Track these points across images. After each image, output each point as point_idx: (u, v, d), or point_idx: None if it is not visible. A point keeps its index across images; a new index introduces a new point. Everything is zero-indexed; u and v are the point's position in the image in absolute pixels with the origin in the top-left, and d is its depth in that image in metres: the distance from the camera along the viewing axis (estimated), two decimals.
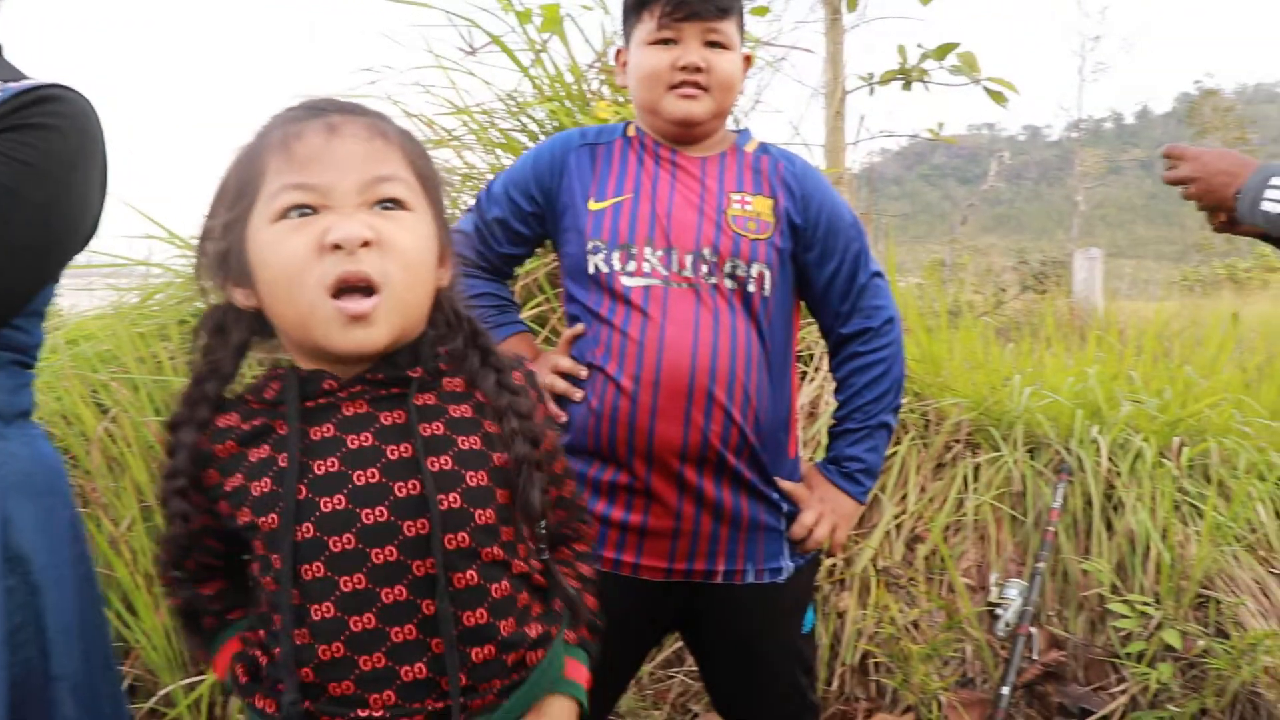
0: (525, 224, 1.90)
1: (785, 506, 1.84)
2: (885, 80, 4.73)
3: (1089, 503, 3.26)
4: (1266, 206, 1.72)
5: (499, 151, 3.70)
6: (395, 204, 1.17)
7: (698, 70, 1.80)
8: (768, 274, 1.78)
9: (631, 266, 1.75)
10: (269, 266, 1.14)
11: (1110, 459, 3.36)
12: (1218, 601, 3.03)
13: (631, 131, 1.90)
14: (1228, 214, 1.83)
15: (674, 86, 1.81)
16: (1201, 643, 2.91)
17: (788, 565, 1.84)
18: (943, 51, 4.54)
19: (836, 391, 1.94)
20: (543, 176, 1.88)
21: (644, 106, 1.86)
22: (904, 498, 3.28)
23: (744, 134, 1.93)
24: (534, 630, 1.25)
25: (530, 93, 3.79)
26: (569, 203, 1.84)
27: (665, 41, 1.81)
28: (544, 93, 3.75)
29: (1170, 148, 1.94)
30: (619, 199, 1.80)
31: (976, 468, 3.40)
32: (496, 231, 1.91)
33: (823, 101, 4.77)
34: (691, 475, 1.73)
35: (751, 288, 1.77)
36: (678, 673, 2.98)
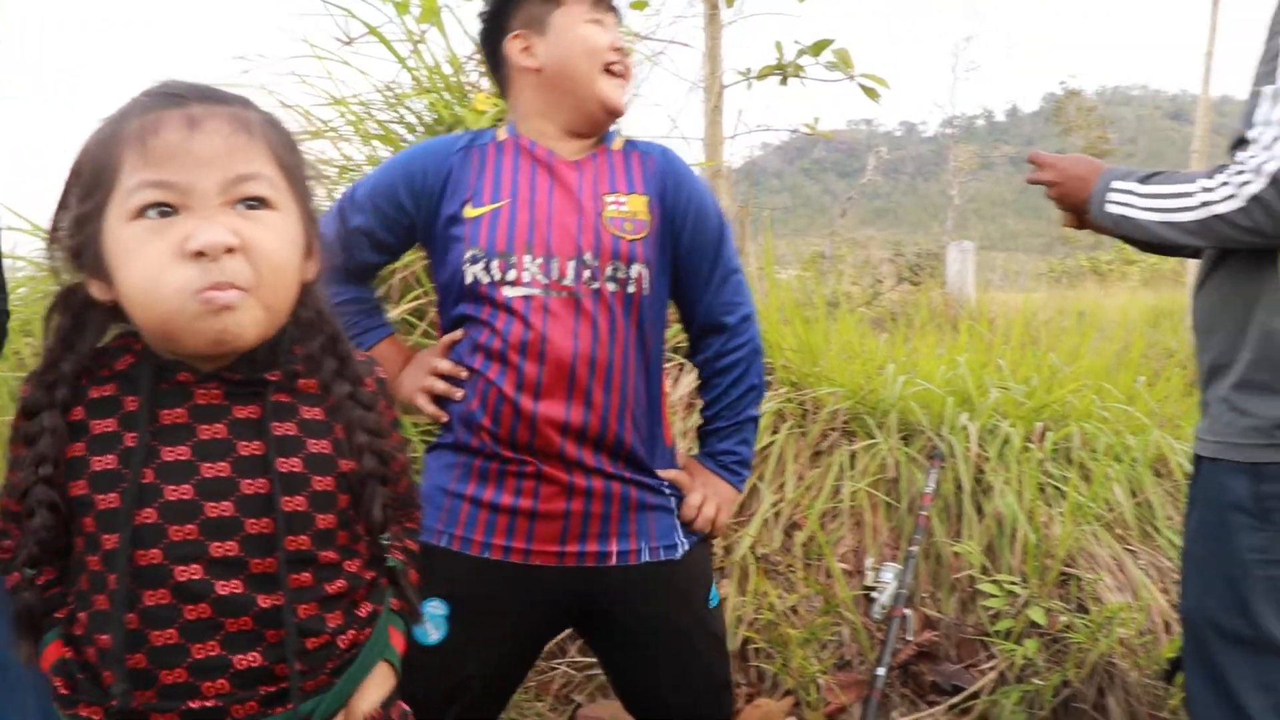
0: (392, 233, 1.85)
1: (669, 489, 1.85)
2: (762, 75, 4.79)
3: (960, 487, 3.36)
4: (1109, 208, 1.82)
5: (376, 143, 3.66)
6: (259, 203, 1.13)
7: (625, 56, 1.85)
8: (646, 273, 1.79)
9: (511, 275, 1.73)
10: (127, 269, 1.10)
11: (980, 444, 3.47)
12: (1079, 578, 3.16)
13: (503, 134, 1.87)
14: (1083, 214, 1.93)
15: (609, 67, 1.83)
16: (1064, 618, 3.02)
17: (683, 542, 1.85)
18: (818, 48, 4.62)
19: (701, 389, 1.96)
20: (416, 183, 1.82)
21: (571, 86, 1.83)
22: (782, 486, 3.34)
23: (610, 134, 1.92)
24: (364, 610, 1.26)
25: (408, 84, 3.75)
26: (446, 210, 1.80)
27: (596, 23, 1.85)
28: (422, 84, 3.71)
29: (1033, 154, 2.05)
30: (496, 205, 1.77)
31: (852, 455, 3.48)
32: (360, 240, 1.85)
33: (701, 96, 4.81)
34: (578, 458, 1.73)
35: (632, 289, 1.77)
36: (560, 664, 2.99)
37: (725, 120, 4.96)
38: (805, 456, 3.48)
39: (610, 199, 1.80)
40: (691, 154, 4.73)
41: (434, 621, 1.43)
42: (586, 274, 1.74)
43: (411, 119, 3.72)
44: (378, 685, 1.27)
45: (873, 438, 3.51)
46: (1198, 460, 1.85)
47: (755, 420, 1.95)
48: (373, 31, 3.71)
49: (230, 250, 1.08)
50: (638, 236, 1.79)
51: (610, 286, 1.75)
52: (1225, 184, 1.63)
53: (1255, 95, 1.65)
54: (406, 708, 1.36)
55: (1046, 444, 3.56)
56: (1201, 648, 1.81)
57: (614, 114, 1.86)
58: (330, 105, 3.68)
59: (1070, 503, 3.27)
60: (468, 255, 1.75)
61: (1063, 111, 36.70)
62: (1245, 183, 1.60)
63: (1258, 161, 1.59)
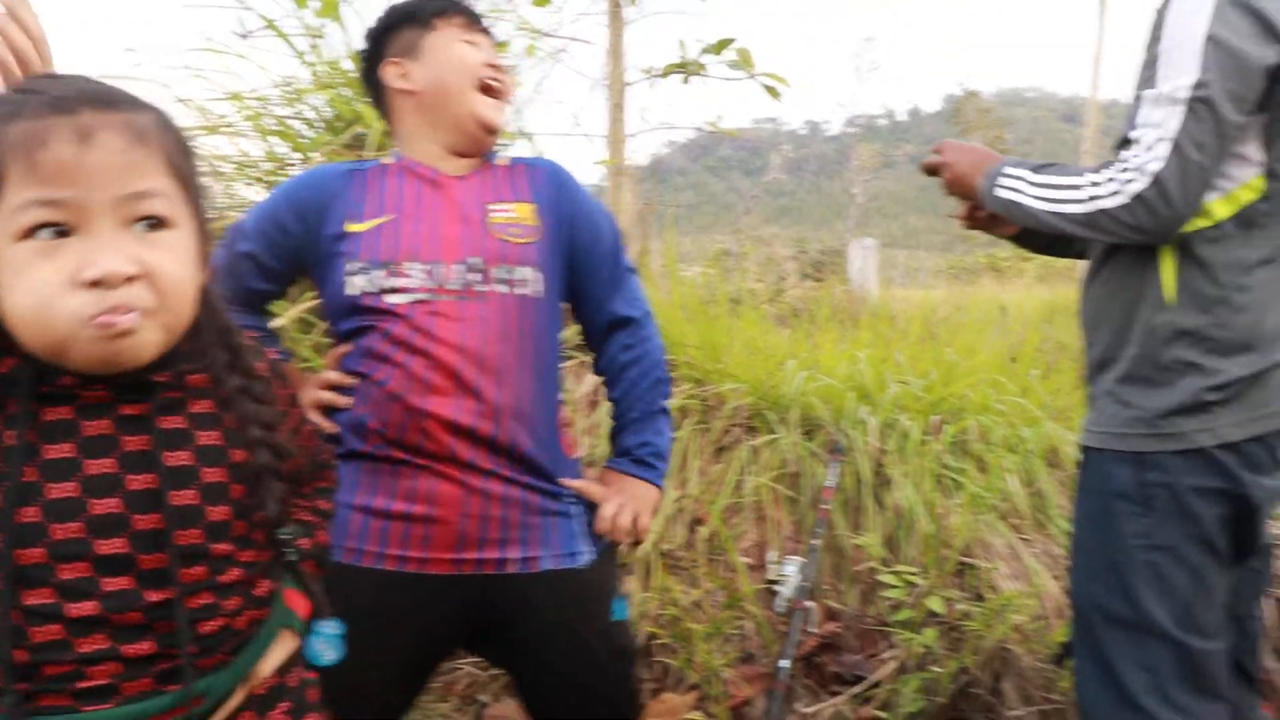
0: (278, 258, 1.84)
1: (570, 498, 1.84)
2: (665, 73, 4.81)
3: (860, 481, 3.41)
4: (1000, 192, 1.87)
5: (274, 139, 3.59)
6: (157, 222, 1.09)
7: (502, 74, 1.88)
8: (538, 277, 1.79)
9: (395, 282, 1.72)
10: (15, 293, 1.04)
11: (879, 438, 3.53)
12: (975, 568, 3.23)
13: (389, 160, 1.89)
14: (974, 200, 1.99)
15: (485, 85, 1.86)
16: (961, 607, 3.09)
17: (585, 551, 1.83)
18: (720, 46, 4.65)
19: (610, 386, 1.96)
20: (300, 205, 1.82)
21: (447, 105, 1.85)
22: (685, 482, 3.36)
23: (494, 153, 1.96)
24: (261, 589, 1.24)
25: (307, 79, 3.69)
26: (330, 229, 1.79)
27: (470, 43, 1.89)
28: (321, 80, 3.65)
29: (938, 146, 2.09)
30: (380, 220, 1.78)
31: (755, 450, 3.51)
32: (248, 267, 1.83)
33: (604, 93, 4.81)
34: (472, 460, 1.71)
35: (520, 291, 1.77)
36: (465, 663, 2.97)
37: (628, 118, 4.97)
38: (708, 452, 3.50)
39: (495, 207, 1.82)
40: (595, 151, 4.74)
41: (329, 642, 1.40)
42: (474, 276, 1.74)
43: (310, 114, 3.66)
44: (278, 651, 1.26)
45: (775, 433, 3.55)
46: (1084, 451, 1.91)
47: (667, 413, 1.97)
48: (270, 25, 3.64)
49: (130, 279, 1.04)
50: (526, 240, 1.80)
51: (500, 289, 1.75)
52: (1111, 180, 1.68)
53: (1138, 99, 1.71)
54: (308, 675, 1.34)
55: (944, 437, 3.63)
56: (1088, 631, 1.87)
57: (490, 131, 1.88)
58: (227, 100, 3.60)
59: (967, 494, 3.34)
60: (351, 268, 1.74)
61: (962, 112, 37.66)
62: (1130, 180, 1.66)
63: (1141, 161, 1.65)
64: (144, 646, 1.10)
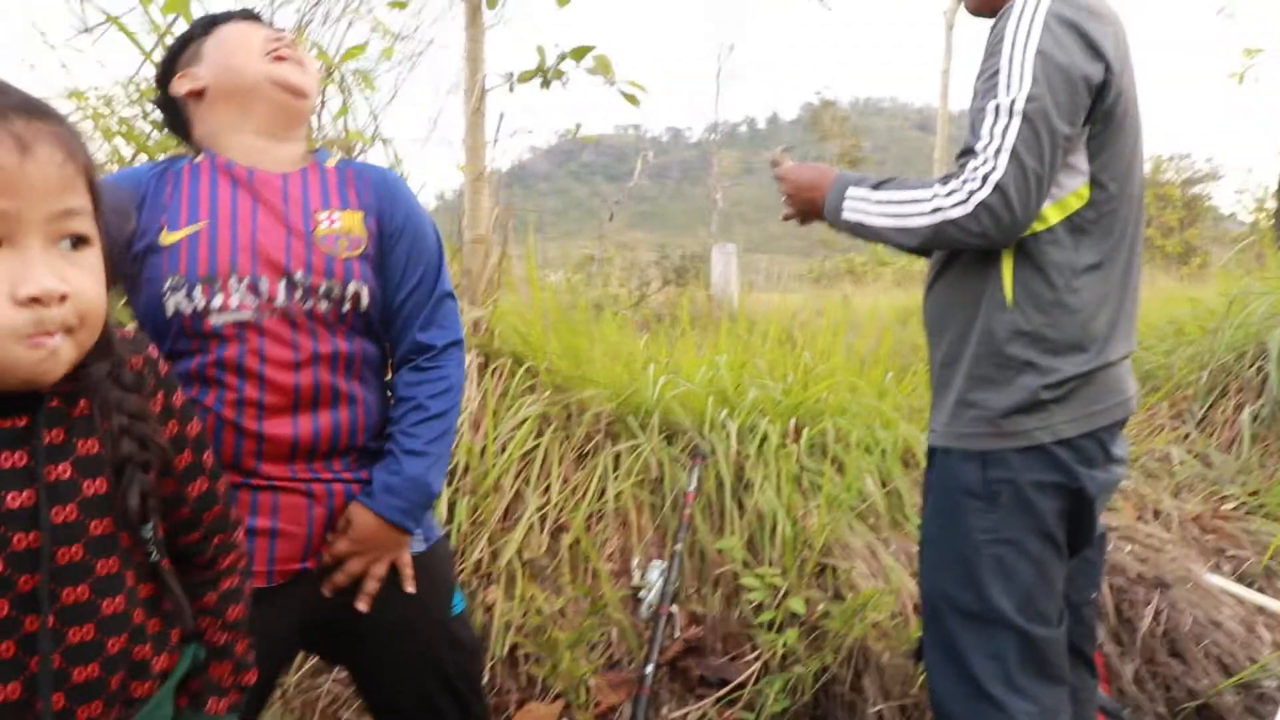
0: None
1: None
2: (524, 79, 4.77)
3: (721, 484, 3.45)
4: (846, 215, 1.91)
5: (119, 140, 3.45)
6: (80, 241, 1.06)
7: (290, 46, 1.81)
8: (364, 291, 1.73)
9: (217, 301, 1.62)
10: None
11: (739, 442, 3.57)
12: (835, 568, 3.29)
13: (199, 158, 1.77)
14: (818, 218, 2.03)
15: (272, 54, 1.78)
16: (822, 606, 3.14)
17: (417, 542, 1.82)
18: (579, 53, 4.64)
19: (395, 407, 1.81)
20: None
21: (240, 82, 1.76)
22: (547, 489, 3.35)
23: (323, 151, 1.87)
24: (152, 656, 1.18)
25: (154, 78, 3.55)
26: (142, 240, 1.67)
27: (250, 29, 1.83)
28: None
29: (775, 170, 2.12)
30: (194, 227, 1.66)
31: (617, 456, 3.52)
32: None
33: (462, 98, 4.75)
34: (311, 473, 1.68)
35: (347, 306, 1.71)
36: (325, 680, 2.90)
37: (488, 123, 4.92)
38: (570, 459, 3.49)
39: (323, 215, 1.73)
40: (454, 157, 4.69)
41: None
42: (299, 293, 1.66)
43: (158, 115, 3.53)
44: None
45: (636, 439, 3.56)
46: (932, 451, 1.97)
47: (442, 461, 1.81)
48: (113, 21, 3.50)
49: (61, 297, 1.01)
50: (353, 254, 1.73)
51: (324, 305, 1.68)
52: (954, 191, 1.74)
53: (978, 111, 1.77)
54: None
55: (803, 440, 3.70)
56: (938, 623, 1.93)
57: (295, 91, 1.78)
58: (67, 98, 3.45)
59: (825, 495, 3.40)
60: (167, 284, 1.62)
61: (819, 121, 38.50)
62: (973, 190, 1.72)
63: (983, 171, 1.71)
64: (12, 689, 1.04)
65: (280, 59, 1.79)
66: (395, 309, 1.81)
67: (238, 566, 1.39)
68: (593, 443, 3.57)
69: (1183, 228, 26.86)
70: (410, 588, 1.79)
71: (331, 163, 1.84)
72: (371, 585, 1.75)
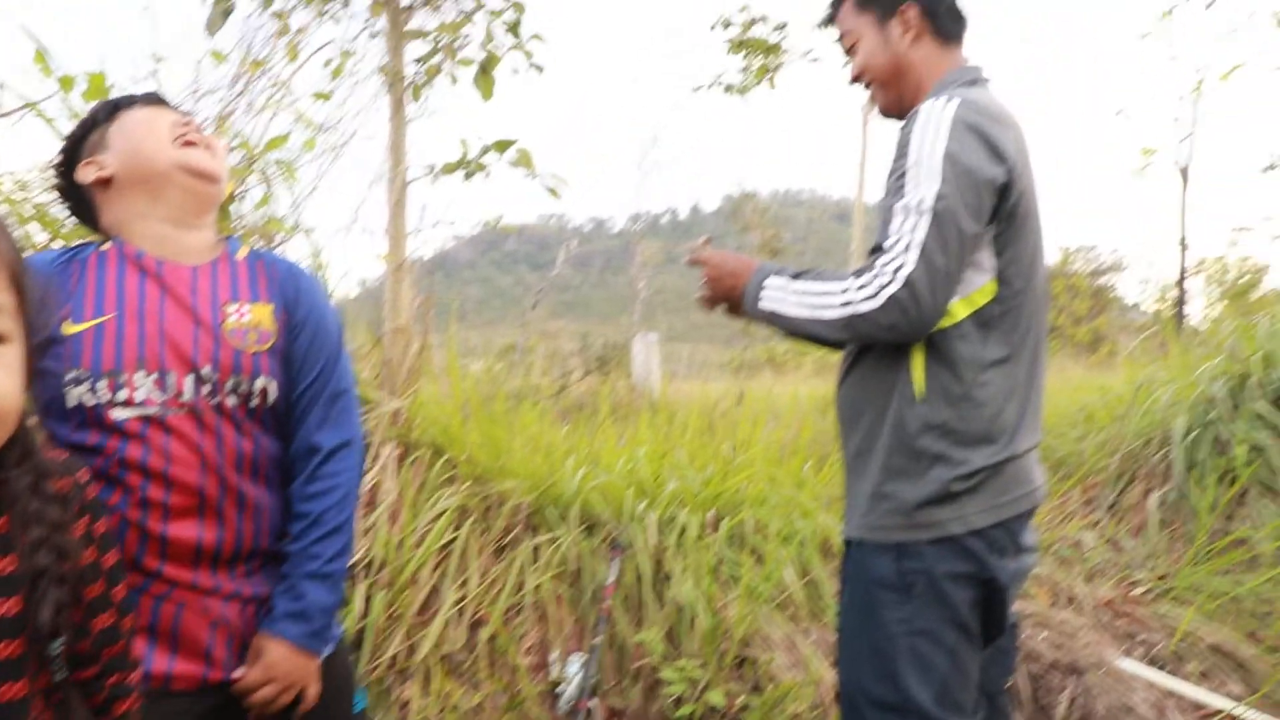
0: None
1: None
2: (447, 171, 4.81)
3: (641, 577, 3.43)
4: (763, 304, 1.95)
5: (34, 225, 3.40)
6: None
7: (198, 131, 1.79)
8: (272, 386, 1.71)
9: (122, 395, 1.58)
10: None
11: (659, 533, 3.57)
12: (754, 660, 3.28)
13: (107, 246, 1.73)
14: (736, 306, 2.06)
15: (181, 140, 1.76)
16: (741, 699, 3.13)
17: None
18: (502, 146, 4.69)
19: (292, 522, 1.75)
20: None
21: (150, 168, 1.74)
22: (465, 582, 3.30)
23: (233, 241, 1.85)
24: None
25: (55, 165, 3.51)
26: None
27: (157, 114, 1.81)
28: None
29: (691, 256, 2.15)
30: (100, 319, 1.62)
31: (536, 548, 3.49)
32: None
33: (385, 189, 4.77)
34: (214, 583, 1.64)
35: (255, 402, 1.68)
36: None
37: (410, 213, 4.94)
38: (488, 552, 3.46)
39: (232, 308, 1.71)
40: (375, 246, 4.69)
41: None
42: (206, 389, 1.63)
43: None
44: None
45: (555, 531, 3.54)
46: (847, 542, 1.99)
47: (341, 575, 1.76)
48: (31, 107, 3.47)
49: None
50: (262, 348, 1.71)
51: (231, 400, 1.65)
52: (865, 285, 1.79)
53: (888, 209, 1.83)
54: None
55: (722, 531, 3.70)
56: (856, 715, 1.94)
57: (206, 176, 1.77)
58: None
59: (744, 586, 3.40)
60: (69, 376, 1.57)
61: (740, 211, 39.19)
62: (884, 285, 1.77)
63: (893, 266, 1.76)
64: None
65: (189, 144, 1.78)
66: (291, 404, 1.77)
67: (130, 713, 1.32)
68: (511, 535, 3.55)
69: (1091, 317, 27.67)
70: (308, 707, 1.75)
71: (242, 254, 1.82)
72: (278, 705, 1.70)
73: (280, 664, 1.67)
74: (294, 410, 1.77)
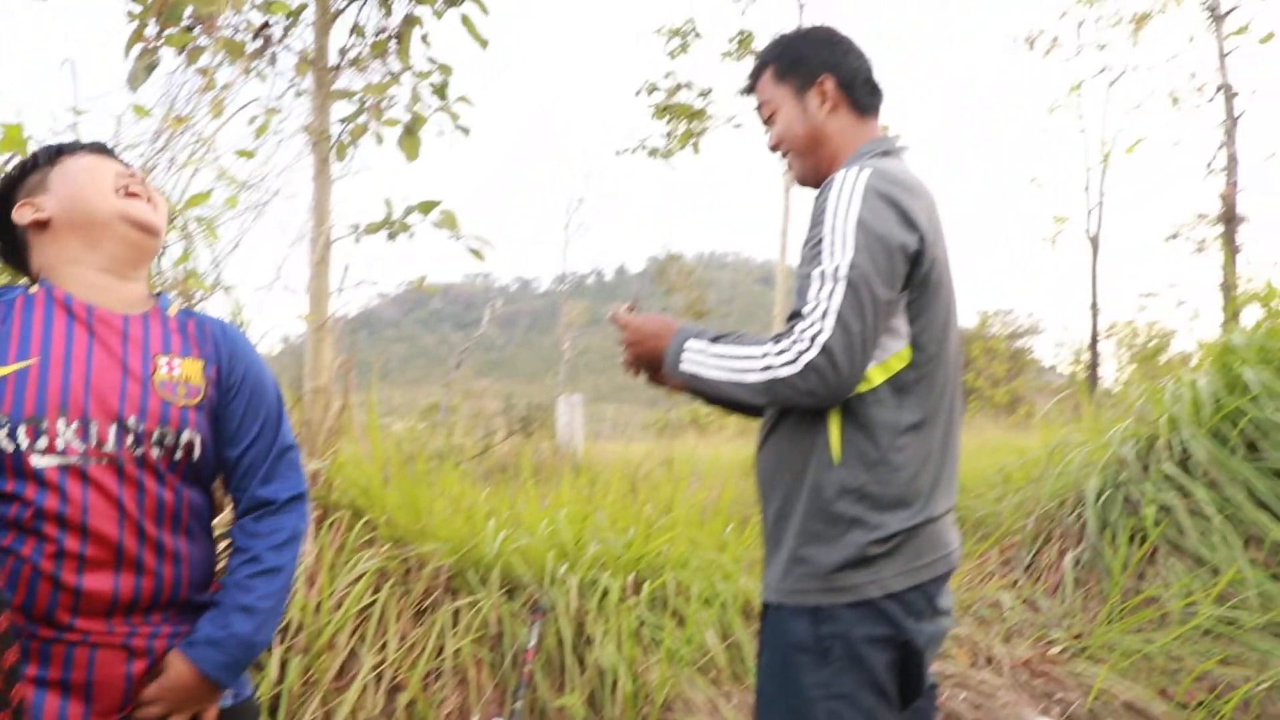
0: None
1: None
2: (371, 230, 4.81)
3: (562, 640, 3.41)
4: (684, 366, 1.96)
5: None
6: None
7: (140, 182, 1.79)
8: (198, 441, 1.70)
9: (42, 443, 1.55)
10: None
11: (580, 596, 3.55)
12: None
13: (35, 289, 1.71)
14: (657, 370, 2.07)
15: (123, 189, 1.76)
16: None
17: (226, 697, 1.75)
18: (426, 207, 4.71)
19: (232, 556, 1.77)
20: None
21: (89, 216, 1.73)
22: (383, 646, 3.25)
23: (164, 297, 1.85)
24: None
25: None
26: None
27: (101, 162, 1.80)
28: None
29: (613, 316, 2.16)
30: (23, 364, 1.59)
31: (456, 612, 3.45)
32: None
33: (308, 247, 4.75)
34: (129, 629, 1.61)
35: (179, 455, 1.67)
36: None
37: (333, 272, 4.92)
38: (408, 615, 3.41)
39: (164, 360, 1.71)
40: (297, 305, 4.65)
41: None
42: (130, 439, 1.61)
43: None
44: None
45: (476, 594, 3.51)
46: (765, 606, 1.99)
47: (274, 617, 1.76)
48: None
49: None
50: (190, 402, 1.70)
51: (156, 452, 1.64)
52: (784, 351, 1.81)
53: (805, 276, 1.87)
54: None
55: (644, 593, 3.69)
56: None
57: (145, 228, 1.76)
58: None
59: (666, 649, 3.39)
60: None
61: (665, 273, 39.58)
62: (802, 351, 1.79)
63: (810, 332, 1.79)
64: None
65: (132, 195, 1.77)
66: (234, 463, 1.78)
67: None
68: (431, 598, 3.50)
69: (1009, 379, 28.26)
70: None
71: (173, 310, 1.82)
72: None
73: (181, 685, 1.66)
74: (238, 469, 1.78)
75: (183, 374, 1.71)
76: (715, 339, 1.96)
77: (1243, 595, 4.30)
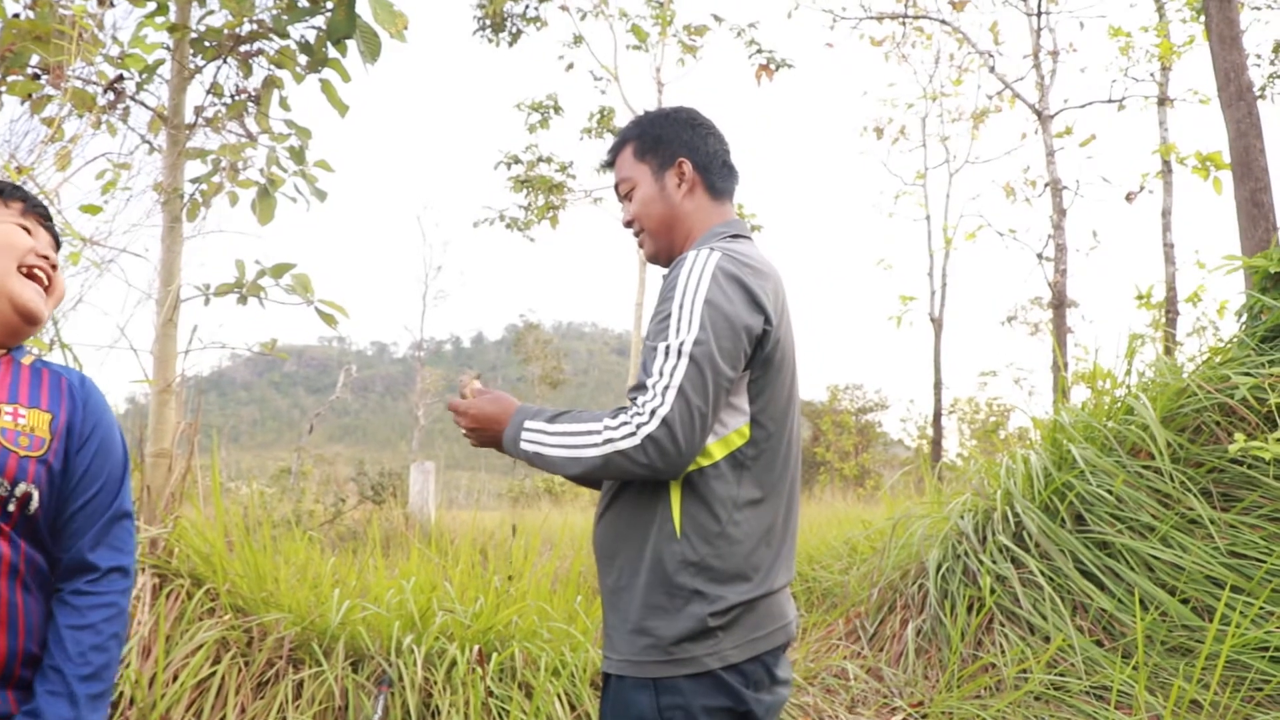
0: None
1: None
2: (221, 293, 4.72)
3: (408, 712, 3.35)
4: (524, 446, 1.99)
5: None
6: None
7: (52, 267, 1.75)
8: (35, 494, 1.65)
9: None
10: None
11: (427, 668, 3.50)
12: None
13: None
14: (498, 448, 2.10)
15: (29, 269, 1.73)
16: None
17: None
18: (279, 271, 4.65)
19: (49, 640, 1.69)
20: None
21: None
22: (223, 719, 3.16)
23: (19, 348, 1.81)
24: None
25: None
26: None
27: (23, 229, 1.76)
28: None
29: (450, 404, 2.18)
30: None
31: (299, 684, 3.37)
32: None
33: (154, 308, 4.64)
34: None
35: (12, 507, 1.62)
36: None
37: (181, 334, 4.80)
38: (249, 688, 3.32)
39: (8, 409, 1.66)
40: (141, 367, 4.53)
41: None
42: None
43: None
44: None
45: (320, 665, 3.43)
46: (606, 678, 2.01)
47: (101, 700, 1.69)
48: None
49: None
50: (33, 454, 1.66)
51: None
52: (625, 424, 1.85)
53: (651, 349, 1.92)
54: None
55: (491, 665, 3.67)
56: None
57: (27, 317, 1.74)
58: None
59: None
60: None
61: (522, 342, 39.61)
62: (641, 424, 1.83)
63: (651, 406, 1.84)
64: None
65: (33, 278, 1.74)
66: (66, 519, 1.72)
67: None
68: (274, 670, 3.42)
69: (857, 452, 28.96)
70: None
71: (28, 360, 1.78)
72: None
73: None
74: (69, 527, 1.72)
75: (28, 424, 1.67)
76: (553, 418, 1.99)
77: (1070, 661, 4.49)
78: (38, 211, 1.83)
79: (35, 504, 1.65)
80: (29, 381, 1.74)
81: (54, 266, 1.80)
